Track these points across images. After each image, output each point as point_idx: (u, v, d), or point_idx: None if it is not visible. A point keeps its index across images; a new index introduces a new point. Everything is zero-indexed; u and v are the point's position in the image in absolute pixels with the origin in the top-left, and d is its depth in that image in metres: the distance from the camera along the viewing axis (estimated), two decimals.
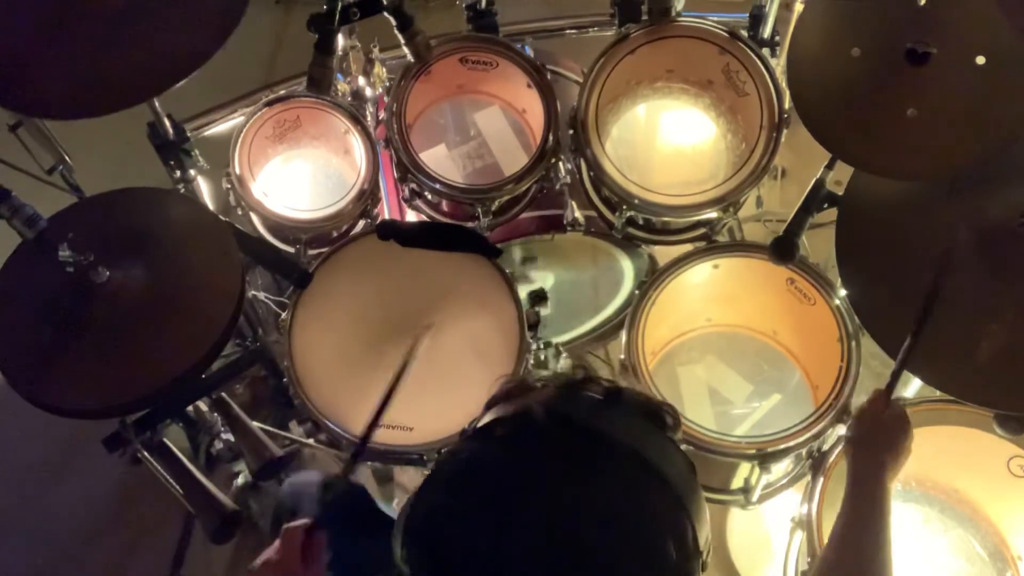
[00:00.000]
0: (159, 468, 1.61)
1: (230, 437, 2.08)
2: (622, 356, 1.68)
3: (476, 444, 0.80)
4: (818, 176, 1.63)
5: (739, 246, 1.82)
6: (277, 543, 1.17)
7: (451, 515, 0.76)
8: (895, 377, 1.36)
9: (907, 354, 1.35)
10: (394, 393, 1.34)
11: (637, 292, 1.76)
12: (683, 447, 0.83)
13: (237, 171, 1.81)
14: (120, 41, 1.44)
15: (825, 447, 1.61)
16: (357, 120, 1.87)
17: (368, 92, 2.08)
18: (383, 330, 1.66)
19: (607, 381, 0.84)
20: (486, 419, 0.82)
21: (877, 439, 1.34)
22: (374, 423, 1.33)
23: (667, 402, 0.86)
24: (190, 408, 2.00)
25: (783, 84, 1.65)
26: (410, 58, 1.73)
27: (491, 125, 1.97)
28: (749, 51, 1.73)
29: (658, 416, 0.82)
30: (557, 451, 0.75)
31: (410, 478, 2.24)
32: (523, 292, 1.69)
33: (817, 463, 1.58)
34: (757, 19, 2.01)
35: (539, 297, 1.66)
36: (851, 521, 1.26)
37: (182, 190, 1.92)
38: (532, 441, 0.76)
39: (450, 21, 2.17)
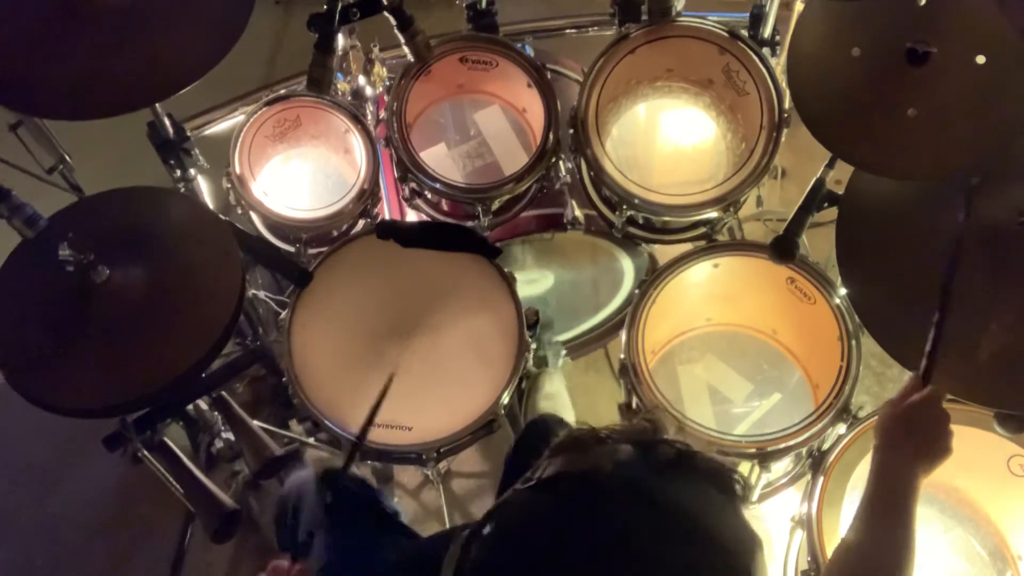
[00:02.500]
0: (159, 468, 1.61)
1: (230, 436, 2.08)
2: (622, 355, 1.68)
3: (540, 499, 0.78)
4: (818, 175, 1.63)
5: (739, 245, 1.82)
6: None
7: (508, 569, 0.74)
8: (930, 361, 1.29)
9: (935, 342, 1.29)
10: (377, 413, 1.35)
11: (637, 291, 1.76)
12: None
13: (237, 170, 1.81)
14: (123, 45, 1.45)
15: (825, 446, 1.61)
16: (357, 119, 1.87)
17: (368, 91, 2.08)
18: (383, 329, 1.66)
19: (679, 442, 0.81)
20: (550, 469, 0.79)
21: (904, 429, 1.24)
22: (362, 436, 1.33)
23: (735, 468, 0.83)
24: (190, 407, 2.00)
25: (783, 84, 1.65)
26: (410, 58, 1.73)
27: (491, 124, 1.97)
28: (749, 51, 1.73)
29: (728, 485, 0.80)
30: (622, 519, 0.73)
31: (410, 477, 2.25)
32: (523, 292, 1.69)
33: (817, 462, 1.58)
34: (757, 19, 2.01)
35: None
36: (868, 517, 1.19)
37: (182, 189, 1.92)
38: (598, 506, 0.74)
39: (450, 21, 2.17)
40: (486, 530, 0.78)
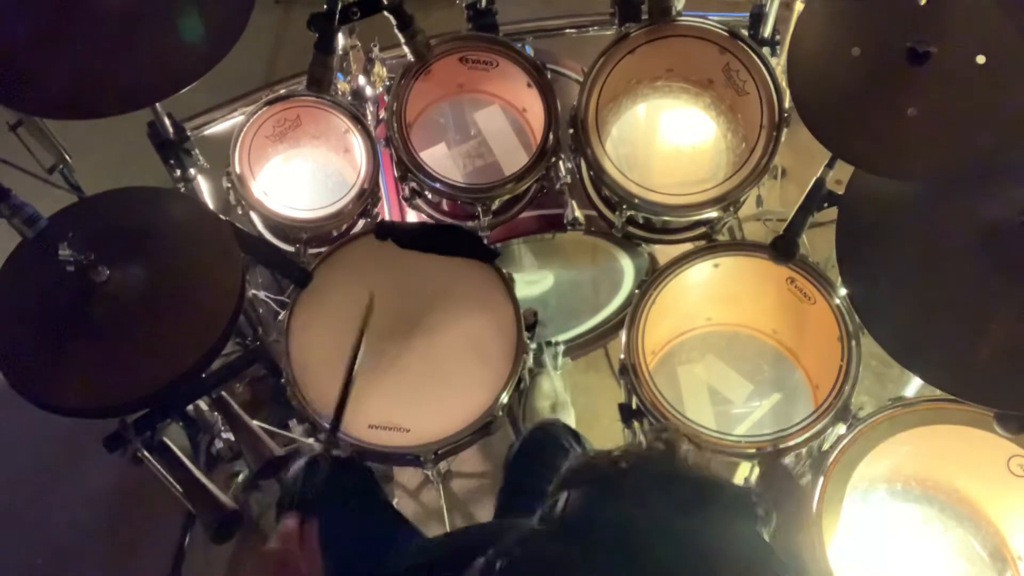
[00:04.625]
0: (159, 468, 1.61)
1: (230, 436, 2.08)
2: (622, 356, 1.68)
3: (563, 549, 0.75)
4: (818, 175, 1.63)
5: (739, 245, 1.82)
6: (276, 535, 1.17)
7: None
8: None
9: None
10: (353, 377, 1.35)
11: (637, 291, 1.76)
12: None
13: (237, 170, 1.81)
14: (123, 45, 1.45)
15: (825, 446, 1.61)
16: (357, 119, 1.87)
17: (368, 91, 2.08)
18: (382, 329, 1.66)
19: (698, 469, 0.79)
20: (571, 508, 0.77)
21: None
22: (342, 404, 1.33)
23: (758, 491, 0.82)
24: (190, 407, 2.00)
25: (783, 83, 1.65)
26: (410, 57, 1.74)
27: (491, 124, 1.97)
28: (749, 50, 1.73)
29: (750, 511, 0.78)
30: (648, 566, 0.71)
31: (410, 478, 2.24)
32: (522, 293, 1.69)
33: (817, 463, 1.58)
34: (757, 18, 2.01)
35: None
36: None
37: (182, 189, 1.92)
38: (627, 560, 0.72)
39: (450, 21, 2.17)
40: (499, 565, 0.76)
